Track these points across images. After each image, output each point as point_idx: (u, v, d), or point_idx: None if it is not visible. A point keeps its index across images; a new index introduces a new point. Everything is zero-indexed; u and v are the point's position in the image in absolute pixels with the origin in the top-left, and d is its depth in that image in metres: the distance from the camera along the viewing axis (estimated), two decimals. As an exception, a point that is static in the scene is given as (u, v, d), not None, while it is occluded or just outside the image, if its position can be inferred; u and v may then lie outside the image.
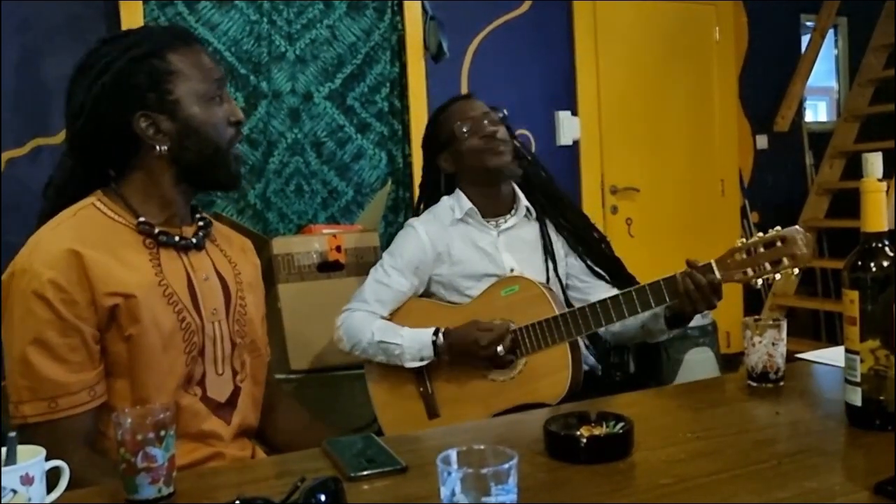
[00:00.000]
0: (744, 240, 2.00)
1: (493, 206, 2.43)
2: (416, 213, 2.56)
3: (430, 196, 2.54)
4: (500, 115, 2.43)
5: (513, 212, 2.45)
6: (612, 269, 2.45)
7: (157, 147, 1.55)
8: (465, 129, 2.38)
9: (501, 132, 2.38)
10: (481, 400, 2.26)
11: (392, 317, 2.39)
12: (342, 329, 2.38)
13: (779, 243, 1.94)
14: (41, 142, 3.43)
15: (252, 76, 3.77)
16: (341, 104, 3.96)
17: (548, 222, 2.46)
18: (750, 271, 1.97)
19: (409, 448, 1.41)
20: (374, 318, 2.36)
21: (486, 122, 2.37)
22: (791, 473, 1.23)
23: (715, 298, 2.02)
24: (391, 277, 2.39)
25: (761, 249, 1.96)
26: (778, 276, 1.95)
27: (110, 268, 1.48)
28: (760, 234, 1.98)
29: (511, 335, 2.21)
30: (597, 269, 2.44)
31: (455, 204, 2.43)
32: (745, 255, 1.98)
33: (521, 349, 2.23)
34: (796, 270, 1.94)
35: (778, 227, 1.96)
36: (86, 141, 1.57)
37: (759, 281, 1.98)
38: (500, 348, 2.19)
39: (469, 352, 2.23)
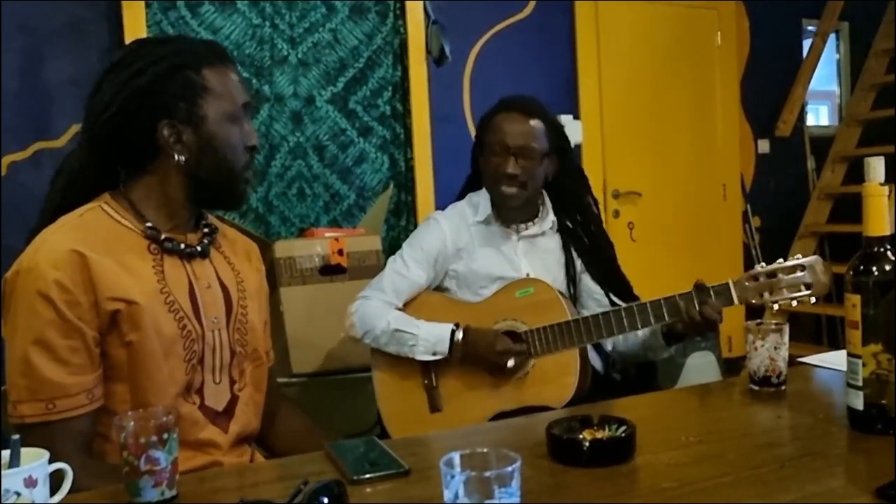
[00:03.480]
0: (763, 264, 2.01)
1: (514, 213, 2.43)
2: (462, 191, 2.58)
3: (473, 180, 2.54)
4: (544, 147, 2.35)
5: (536, 220, 2.45)
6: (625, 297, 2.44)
7: (176, 156, 1.56)
8: (494, 152, 2.35)
9: (525, 173, 2.33)
10: (485, 398, 2.27)
11: (405, 309, 2.40)
12: (356, 315, 2.38)
13: (798, 271, 1.96)
14: (43, 145, 3.44)
15: (254, 80, 3.78)
16: (343, 108, 3.97)
17: (571, 239, 2.46)
18: (767, 295, 1.99)
19: (411, 451, 1.41)
20: (391, 308, 2.36)
21: (518, 157, 2.32)
22: (793, 477, 1.23)
23: (706, 330, 2.07)
24: (410, 269, 2.40)
25: (781, 275, 1.98)
26: (795, 304, 1.96)
27: (114, 272, 1.48)
28: (781, 259, 2.00)
29: (524, 353, 2.22)
30: (615, 299, 2.42)
31: (479, 204, 2.45)
32: (763, 279, 2.00)
33: (531, 351, 2.24)
34: (813, 299, 1.96)
35: (798, 255, 1.99)
36: (105, 137, 1.57)
37: (776, 305, 1.99)
38: (510, 362, 2.20)
39: (481, 355, 2.24)
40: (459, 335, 2.26)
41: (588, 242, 2.47)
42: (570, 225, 2.48)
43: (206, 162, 1.58)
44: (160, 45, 1.63)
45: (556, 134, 2.41)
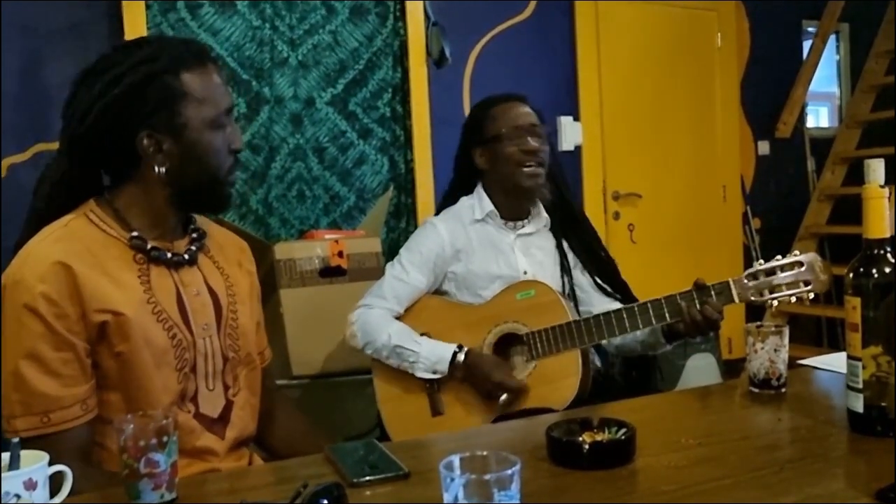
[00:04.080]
0: (762, 261, 2.02)
1: (513, 210, 2.44)
2: (445, 199, 2.58)
3: (462, 185, 2.54)
4: (546, 129, 2.43)
5: (530, 218, 2.46)
6: (617, 289, 2.45)
7: (157, 167, 1.54)
8: (510, 136, 2.37)
9: (543, 150, 2.38)
10: (488, 401, 2.26)
11: (406, 314, 2.40)
12: (357, 325, 2.38)
13: (796, 268, 1.96)
14: (43, 147, 3.43)
15: (254, 81, 3.78)
16: (343, 109, 3.97)
17: (562, 236, 2.47)
18: (766, 293, 2.00)
19: (411, 454, 1.41)
20: (392, 319, 2.36)
21: (531, 137, 2.36)
22: (793, 479, 1.23)
23: (708, 330, 2.06)
24: (409, 274, 2.40)
25: (779, 273, 1.98)
26: (793, 300, 1.97)
27: (100, 284, 1.47)
28: (779, 257, 2.01)
29: (516, 393, 2.22)
30: (604, 285, 2.44)
31: (476, 204, 2.45)
32: (763, 277, 2.00)
33: (532, 353, 2.24)
34: (811, 295, 1.96)
35: (796, 252, 1.99)
36: (84, 146, 1.55)
37: (775, 302, 1.99)
38: (503, 397, 2.20)
39: (478, 380, 2.24)
40: (461, 358, 2.25)
41: (577, 235, 2.49)
42: (561, 221, 2.48)
43: (189, 170, 1.55)
44: (137, 49, 1.57)
45: (543, 121, 2.46)
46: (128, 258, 1.54)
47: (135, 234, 1.55)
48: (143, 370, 1.49)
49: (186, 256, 1.61)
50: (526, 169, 2.36)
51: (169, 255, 1.58)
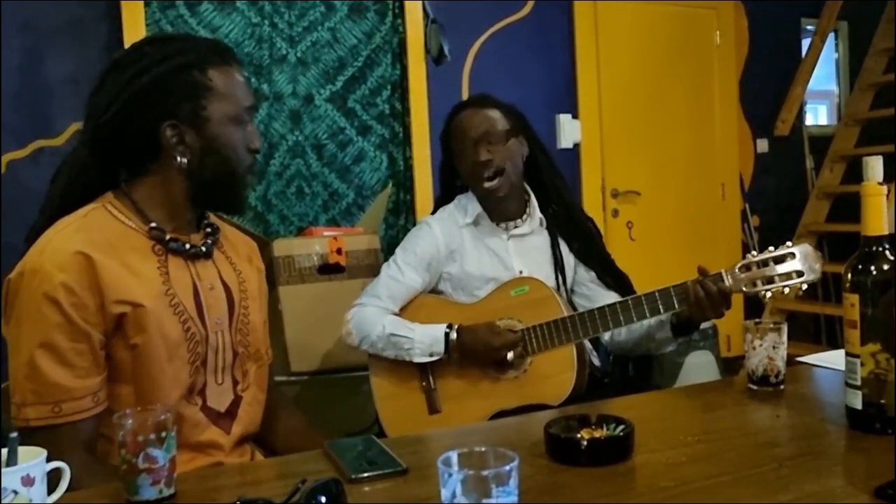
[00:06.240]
0: (754, 253, 2.01)
1: (503, 212, 2.44)
2: (438, 203, 2.59)
3: (449, 188, 2.56)
4: (506, 127, 2.38)
5: (524, 217, 2.45)
6: (619, 283, 2.44)
7: (178, 158, 1.55)
8: (464, 149, 2.38)
9: (497, 157, 2.35)
10: (483, 398, 2.27)
11: (402, 312, 2.41)
12: (352, 323, 2.39)
13: (789, 259, 1.96)
14: (42, 143, 3.43)
15: (253, 78, 3.77)
16: (342, 106, 3.96)
17: (559, 234, 2.46)
18: (759, 283, 1.98)
19: (409, 450, 1.41)
20: (386, 313, 2.37)
21: (484, 146, 2.34)
22: (791, 477, 1.23)
23: (724, 306, 2.03)
24: (404, 274, 2.41)
25: (772, 263, 1.97)
26: (786, 291, 1.96)
27: (120, 275, 1.47)
28: (772, 248, 1.99)
29: (521, 344, 2.22)
30: (606, 280, 2.43)
31: (467, 205, 2.45)
32: (755, 268, 1.99)
33: (528, 349, 2.24)
34: (804, 286, 1.95)
35: (789, 243, 1.98)
36: (107, 137, 1.56)
37: (768, 294, 1.99)
38: (510, 355, 2.20)
39: (479, 352, 2.24)
40: (454, 335, 2.26)
41: (575, 234, 2.47)
42: (556, 218, 2.48)
43: (209, 163, 1.57)
44: (165, 43, 1.60)
45: (516, 116, 2.44)
46: (147, 249, 1.55)
47: (154, 225, 1.56)
48: (155, 362, 1.50)
49: (203, 249, 1.63)
50: (485, 184, 2.36)
51: (187, 246, 1.59)
